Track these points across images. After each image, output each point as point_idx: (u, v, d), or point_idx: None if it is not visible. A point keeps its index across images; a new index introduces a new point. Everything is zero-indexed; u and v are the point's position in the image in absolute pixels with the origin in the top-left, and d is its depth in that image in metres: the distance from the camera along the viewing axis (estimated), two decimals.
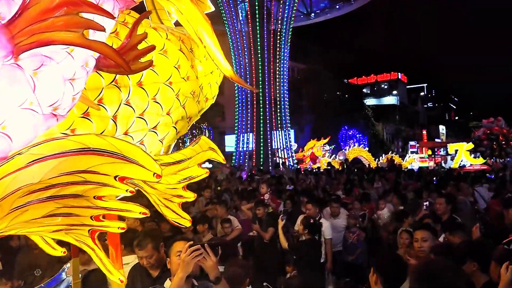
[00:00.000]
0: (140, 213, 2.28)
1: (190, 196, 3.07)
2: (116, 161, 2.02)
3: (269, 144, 20.98)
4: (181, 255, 2.64)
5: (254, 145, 20.98)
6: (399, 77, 68.81)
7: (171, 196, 2.97)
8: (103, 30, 1.67)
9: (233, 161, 21.93)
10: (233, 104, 24.88)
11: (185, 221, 3.09)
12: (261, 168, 18.73)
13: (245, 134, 21.28)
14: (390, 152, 34.96)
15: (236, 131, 21.83)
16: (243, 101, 21.50)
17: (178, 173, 2.95)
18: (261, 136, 20.81)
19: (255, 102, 20.99)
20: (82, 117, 2.16)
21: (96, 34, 1.78)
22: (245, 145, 21.26)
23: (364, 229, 7.46)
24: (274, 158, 21.25)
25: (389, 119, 53.50)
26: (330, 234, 6.70)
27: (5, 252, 5.27)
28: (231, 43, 21.89)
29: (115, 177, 2.07)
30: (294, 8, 21.99)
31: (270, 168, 18.56)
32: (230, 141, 34.32)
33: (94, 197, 2.14)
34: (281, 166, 18.51)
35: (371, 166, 23.96)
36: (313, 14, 28.23)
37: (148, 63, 2.01)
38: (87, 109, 2.16)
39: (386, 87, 67.62)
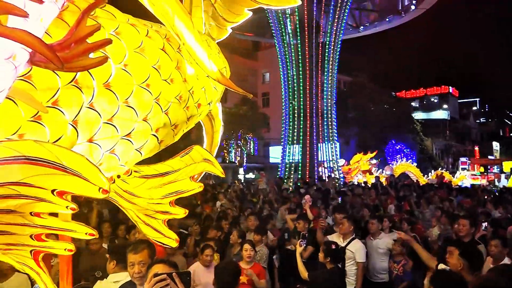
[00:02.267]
0: (86, 233, 1.96)
1: (178, 212, 2.80)
2: (54, 172, 1.71)
3: (315, 157, 20.89)
4: (145, 284, 2.15)
5: (300, 157, 20.94)
6: (450, 91, 66.58)
7: (154, 212, 2.71)
8: (25, 15, 1.40)
9: (278, 173, 22.00)
10: (278, 115, 25.01)
11: (170, 240, 2.78)
12: (307, 180, 18.69)
13: (291, 146, 21.30)
14: (440, 168, 33.79)
15: (282, 143, 21.88)
16: (289, 113, 21.57)
17: (163, 186, 2.72)
18: (307, 148, 20.76)
19: (302, 113, 21.00)
20: (31, 121, 1.84)
21: (28, 22, 1.48)
22: (291, 157, 21.27)
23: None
24: (320, 171, 21.12)
25: (439, 134, 51.81)
26: (362, 257, 5.84)
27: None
28: (279, 56, 22.09)
29: (52, 191, 1.75)
30: (343, 21, 21.94)
31: (316, 180, 18.45)
32: (274, 152, 34.43)
33: (30, 213, 1.85)
34: (327, 179, 18.39)
35: (420, 182, 23.28)
36: (362, 27, 27.99)
37: (100, 60, 1.69)
38: (38, 112, 1.84)
39: (436, 100, 65.56)
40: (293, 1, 3.26)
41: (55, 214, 2.03)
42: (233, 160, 34.17)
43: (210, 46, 3.11)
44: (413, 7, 25.17)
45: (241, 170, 33.77)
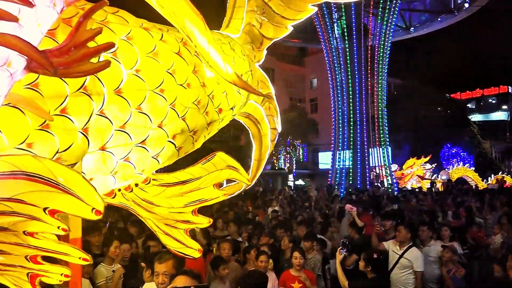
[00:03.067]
0: (80, 258, 1.88)
1: (202, 221, 2.72)
2: (48, 189, 1.66)
3: (366, 162, 20.47)
4: None
5: (350, 162, 20.60)
6: (510, 91, 63.09)
7: (175, 221, 2.63)
8: (15, 20, 1.36)
9: (328, 179, 21.76)
10: (327, 120, 24.79)
11: (192, 251, 2.67)
12: (358, 186, 18.36)
13: (341, 151, 21.00)
14: (500, 172, 32.03)
15: (331, 148, 21.63)
16: (339, 118, 21.30)
17: (185, 195, 2.63)
18: (358, 154, 20.39)
19: (351, 118, 20.69)
20: (40, 129, 1.81)
21: (23, 27, 1.44)
22: (341, 163, 20.97)
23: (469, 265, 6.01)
24: (372, 176, 20.66)
25: (498, 136, 49.11)
26: (420, 266, 5.53)
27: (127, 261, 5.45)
28: (326, 61, 21.93)
29: (44, 209, 1.69)
30: (393, 23, 21.45)
31: (368, 186, 18.07)
32: (324, 158, 34.07)
33: (24, 232, 1.77)
34: (379, 185, 17.96)
35: (478, 187, 22.19)
36: (412, 28, 27.22)
37: (101, 65, 1.65)
38: (45, 121, 1.81)
39: (494, 101, 62.32)
40: None
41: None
42: (282, 167, 34.15)
43: (234, 49, 3.03)
44: (466, 5, 24.17)
45: (290, 177, 33.67)
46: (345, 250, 5.08)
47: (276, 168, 34.50)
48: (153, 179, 2.66)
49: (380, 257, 4.94)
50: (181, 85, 2.44)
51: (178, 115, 2.44)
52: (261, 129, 3.74)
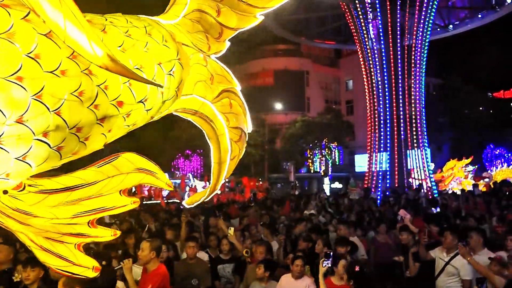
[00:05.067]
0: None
1: (102, 234, 2.41)
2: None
3: (404, 164, 19.98)
4: None
5: (387, 165, 20.17)
6: None
7: (60, 235, 2.29)
8: None
9: (364, 182, 21.39)
10: (363, 122, 24.40)
11: (83, 269, 2.30)
12: (395, 189, 17.95)
13: (378, 154, 20.60)
14: None
15: (370, 150, 21.25)
16: (375, 119, 20.93)
17: (79, 203, 2.31)
18: (396, 156, 19.94)
19: (388, 120, 20.27)
20: None
21: None
22: (378, 165, 20.57)
23: None
24: (410, 179, 20.15)
25: None
26: (469, 274, 5.22)
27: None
28: (362, 62, 21.61)
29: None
30: (430, 21, 20.89)
31: (406, 189, 17.63)
32: (361, 160, 33.55)
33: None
34: (418, 187, 17.49)
35: None
36: (451, 26, 26.42)
37: None
38: None
39: None
40: None
41: None
42: (318, 170, 33.87)
43: (150, 33, 2.64)
44: (509, 0, 23.24)
45: (326, 180, 33.34)
46: (329, 261, 4.50)
47: (312, 171, 34.26)
48: (29, 185, 2.28)
49: (363, 270, 4.67)
50: (50, 72, 2.03)
51: (48, 109, 2.03)
52: (216, 128, 3.35)
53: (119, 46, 2.37)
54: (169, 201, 20.29)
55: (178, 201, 21.13)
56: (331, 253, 4.59)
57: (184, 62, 2.89)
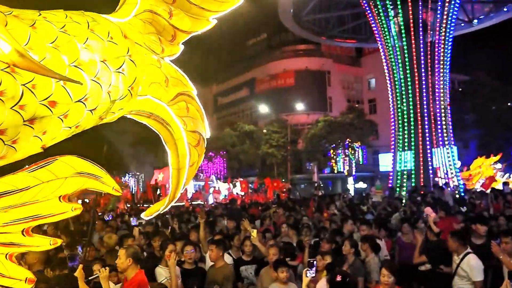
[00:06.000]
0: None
1: (41, 243, 2.28)
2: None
3: (429, 163, 19.64)
4: None
5: (412, 164, 19.87)
6: None
7: None
8: None
9: (389, 181, 21.12)
10: (387, 121, 24.09)
11: (15, 282, 2.15)
12: (418, 188, 17.65)
13: (402, 153, 20.31)
14: None
15: (394, 150, 20.97)
16: (399, 118, 20.64)
17: (9, 210, 2.18)
18: (420, 154, 19.62)
19: (412, 118, 19.96)
20: None
21: None
22: (402, 164, 20.28)
23: None
24: (436, 178, 19.78)
25: None
26: (478, 275, 5.22)
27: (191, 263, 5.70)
28: (384, 60, 21.36)
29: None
30: (453, 17, 20.48)
31: (431, 188, 17.31)
32: (385, 160, 33.12)
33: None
34: (444, 186, 17.15)
35: None
36: (476, 20, 25.83)
37: None
38: None
39: None
40: None
41: None
42: (342, 170, 33.61)
43: (93, 29, 2.52)
44: None
45: (350, 180, 33.05)
46: (312, 270, 4.17)
47: (335, 171, 34.03)
48: None
49: (345, 279, 4.28)
50: None
51: None
52: (173, 131, 3.22)
53: (51, 42, 2.23)
54: (193, 202, 20.51)
55: (203, 202, 21.35)
56: (315, 262, 4.26)
57: (137, 59, 2.77)
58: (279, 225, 8.78)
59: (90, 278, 4.14)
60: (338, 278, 4.22)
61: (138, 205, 19.49)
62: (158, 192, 22.91)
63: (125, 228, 8.96)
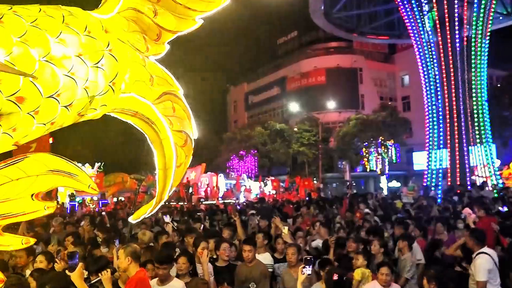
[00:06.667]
0: None
1: (12, 243, 2.25)
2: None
3: (466, 161, 19.06)
4: None
5: (448, 162, 19.34)
6: None
7: None
8: None
9: (423, 180, 20.63)
10: (421, 118, 23.53)
11: None
12: (454, 188, 17.16)
13: (438, 151, 19.80)
14: None
15: (429, 148, 20.47)
16: (434, 115, 20.13)
17: None
18: (456, 152, 19.07)
19: (448, 115, 19.42)
20: None
21: None
22: (437, 163, 19.76)
23: None
24: (473, 177, 19.18)
25: None
26: (481, 276, 5.11)
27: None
28: (418, 56, 20.87)
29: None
30: (492, 10, 19.77)
31: (469, 187, 16.81)
32: (419, 158, 32.36)
33: None
34: (482, 185, 16.61)
35: None
36: None
37: None
38: None
39: None
40: None
41: None
42: (374, 169, 33.08)
43: (67, 23, 2.44)
44: None
45: (383, 179, 32.49)
46: (309, 268, 3.93)
47: (367, 170, 33.53)
48: None
49: (343, 278, 4.16)
50: None
51: None
52: (159, 131, 3.13)
53: (20, 37, 2.17)
54: (225, 201, 20.70)
55: (234, 201, 21.51)
56: (312, 259, 4.05)
57: (118, 54, 2.69)
58: (310, 225, 8.74)
59: (93, 281, 4.11)
60: (335, 277, 4.10)
61: (170, 203, 19.82)
62: (190, 190, 23.23)
63: (158, 225, 9.15)
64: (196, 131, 3.35)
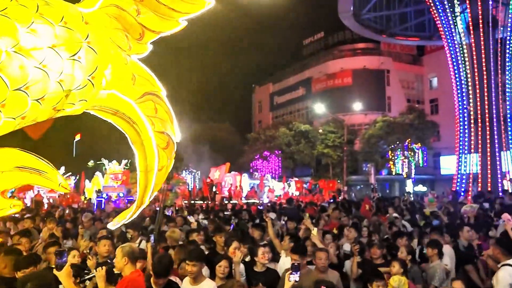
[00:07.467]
0: None
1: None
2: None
3: (498, 167, 18.52)
4: None
5: (479, 167, 18.83)
6: None
7: None
8: None
9: (452, 185, 20.14)
10: (449, 122, 23.02)
11: None
12: (484, 193, 16.68)
13: (468, 155, 19.31)
14: None
15: (456, 152, 19.98)
16: (464, 118, 19.64)
17: None
18: (488, 157, 18.55)
19: (479, 119, 18.91)
20: None
21: None
22: (467, 168, 19.27)
23: None
24: (504, 182, 18.63)
25: None
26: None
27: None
28: (449, 58, 20.40)
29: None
30: None
31: (501, 194, 16.31)
32: (446, 162, 31.64)
33: None
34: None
35: None
36: None
37: None
38: None
39: None
40: None
41: None
42: (400, 172, 32.50)
43: (42, 13, 2.33)
44: None
45: (408, 183, 31.90)
46: (296, 274, 3.74)
47: (393, 173, 32.97)
48: None
49: None
50: None
51: None
52: (140, 131, 3.03)
53: None
54: (248, 201, 20.69)
55: (257, 201, 21.49)
56: (299, 265, 3.86)
57: (98, 48, 2.58)
58: (332, 228, 8.59)
59: (87, 277, 4.05)
60: None
61: (194, 202, 19.94)
62: (214, 189, 23.33)
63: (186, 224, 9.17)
64: (179, 133, 3.23)
